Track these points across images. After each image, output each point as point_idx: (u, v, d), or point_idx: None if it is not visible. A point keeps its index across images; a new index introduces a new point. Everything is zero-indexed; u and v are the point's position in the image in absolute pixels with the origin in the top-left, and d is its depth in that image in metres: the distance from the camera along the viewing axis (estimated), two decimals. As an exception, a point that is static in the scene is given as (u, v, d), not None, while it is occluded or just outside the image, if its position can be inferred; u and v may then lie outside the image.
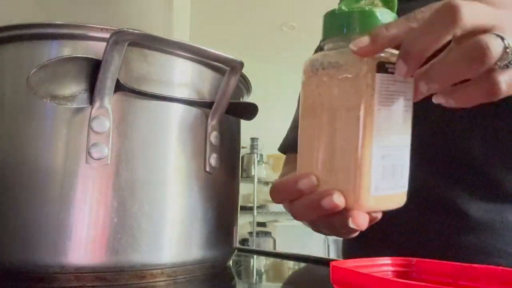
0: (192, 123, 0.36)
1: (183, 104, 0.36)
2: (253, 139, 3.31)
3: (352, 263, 0.27)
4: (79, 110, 0.32)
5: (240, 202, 0.46)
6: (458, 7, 0.23)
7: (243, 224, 3.28)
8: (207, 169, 0.37)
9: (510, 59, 0.24)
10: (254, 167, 3.21)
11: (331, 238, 3.75)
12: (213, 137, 0.37)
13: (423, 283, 0.20)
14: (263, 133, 3.05)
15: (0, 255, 0.31)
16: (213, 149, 0.38)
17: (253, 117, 0.40)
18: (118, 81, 0.32)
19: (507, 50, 0.24)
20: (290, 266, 0.49)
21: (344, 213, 0.28)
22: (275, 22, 3.08)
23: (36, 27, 0.32)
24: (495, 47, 0.23)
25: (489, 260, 0.44)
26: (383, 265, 0.29)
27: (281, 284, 0.41)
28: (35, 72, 0.29)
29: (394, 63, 0.27)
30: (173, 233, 0.34)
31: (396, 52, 0.27)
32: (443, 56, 0.26)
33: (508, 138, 0.45)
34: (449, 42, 0.26)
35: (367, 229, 0.31)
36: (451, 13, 0.24)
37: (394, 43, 0.26)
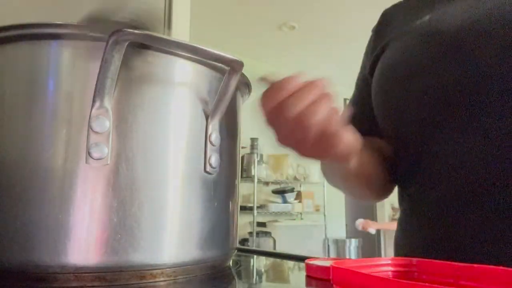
0: (192, 123, 0.36)
1: (183, 104, 0.36)
2: (253, 139, 3.31)
3: (352, 263, 0.27)
4: (79, 110, 0.32)
5: (240, 202, 0.46)
6: None
7: (243, 224, 3.28)
8: (207, 169, 0.37)
9: None
10: (254, 167, 3.21)
11: (331, 238, 3.75)
12: (213, 137, 0.37)
13: (423, 283, 0.20)
14: (263, 133, 3.05)
15: (0, 255, 0.31)
16: (213, 149, 0.38)
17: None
18: (118, 81, 0.32)
19: None
20: (290, 266, 0.49)
21: None
22: (275, 22, 3.08)
23: (36, 27, 0.32)
24: None
25: None
26: (383, 265, 0.29)
27: (281, 284, 0.41)
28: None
29: None
30: (173, 233, 0.34)
31: None
32: None
33: None
34: None
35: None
36: None
37: None
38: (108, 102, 0.32)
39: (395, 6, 0.60)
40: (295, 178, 3.60)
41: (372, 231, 3.79)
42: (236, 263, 0.48)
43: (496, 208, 0.42)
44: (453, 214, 0.45)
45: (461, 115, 0.44)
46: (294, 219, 3.54)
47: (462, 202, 0.44)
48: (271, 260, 0.53)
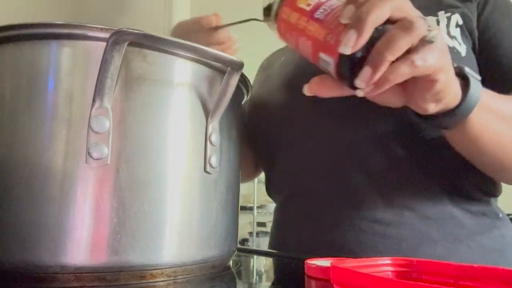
0: (192, 123, 0.36)
1: (183, 104, 0.36)
2: (253, 139, 3.30)
3: (352, 263, 0.27)
4: (79, 110, 0.32)
5: (240, 202, 0.46)
6: None
7: (243, 224, 3.28)
8: (207, 169, 0.37)
9: (431, 35, 0.33)
10: (254, 167, 3.21)
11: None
12: (213, 137, 0.37)
13: (423, 283, 0.20)
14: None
15: (0, 255, 0.31)
16: (213, 149, 0.38)
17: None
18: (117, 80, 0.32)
19: (429, 28, 0.33)
20: (290, 266, 0.49)
21: None
22: (275, 22, 3.08)
23: (36, 27, 0.32)
24: (422, 22, 0.32)
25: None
26: (383, 265, 0.29)
27: (281, 284, 0.41)
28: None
29: None
30: (173, 233, 0.34)
31: None
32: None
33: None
34: None
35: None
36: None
37: None
38: (108, 102, 0.32)
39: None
40: (295, 178, 3.59)
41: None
42: (236, 263, 0.48)
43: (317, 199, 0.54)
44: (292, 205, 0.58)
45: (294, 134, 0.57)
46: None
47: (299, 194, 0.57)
48: (271, 260, 0.53)
